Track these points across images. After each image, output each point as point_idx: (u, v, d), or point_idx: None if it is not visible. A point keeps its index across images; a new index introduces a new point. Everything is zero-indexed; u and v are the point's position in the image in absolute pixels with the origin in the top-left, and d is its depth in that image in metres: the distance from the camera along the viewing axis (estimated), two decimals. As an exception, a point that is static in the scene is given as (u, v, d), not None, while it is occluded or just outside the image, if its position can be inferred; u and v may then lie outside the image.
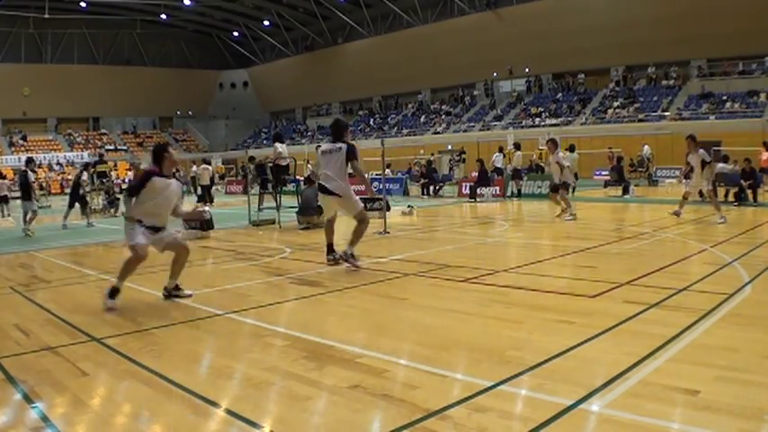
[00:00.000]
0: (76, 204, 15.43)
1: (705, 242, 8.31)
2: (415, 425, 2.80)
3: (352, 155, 6.98)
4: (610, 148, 26.61)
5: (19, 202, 14.40)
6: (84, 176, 16.44)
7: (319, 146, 8.49)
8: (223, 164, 43.91)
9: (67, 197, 15.88)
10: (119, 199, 19.08)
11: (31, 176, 13.77)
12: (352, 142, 7.16)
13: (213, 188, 24.34)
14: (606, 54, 35.07)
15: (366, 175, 7.44)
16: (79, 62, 50.42)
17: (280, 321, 4.96)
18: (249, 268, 7.65)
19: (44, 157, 44.67)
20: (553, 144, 12.67)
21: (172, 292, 5.80)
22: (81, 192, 15.62)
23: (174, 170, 6.17)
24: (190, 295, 5.81)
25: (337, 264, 7.29)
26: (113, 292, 5.45)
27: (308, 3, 46.03)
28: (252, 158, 17.71)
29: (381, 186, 12.85)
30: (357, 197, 7.23)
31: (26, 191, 13.28)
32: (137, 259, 5.48)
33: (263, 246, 9.94)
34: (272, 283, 6.67)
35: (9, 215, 17.37)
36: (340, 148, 7.03)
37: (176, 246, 5.90)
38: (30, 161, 14.47)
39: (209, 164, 25.69)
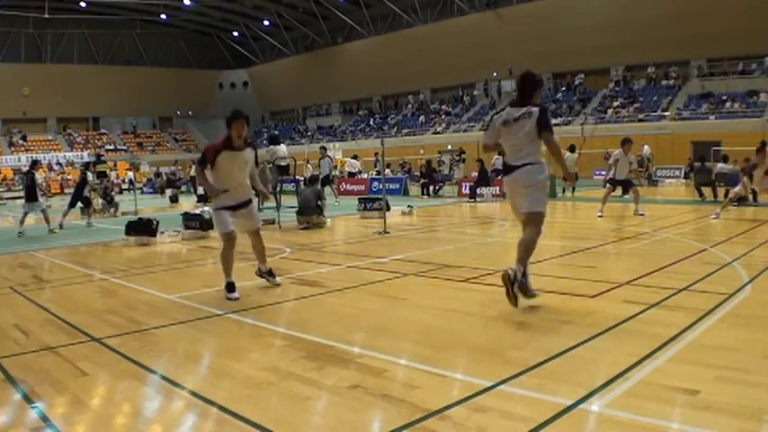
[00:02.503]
0: (77, 204, 15.42)
1: (705, 242, 8.30)
2: (415, 425, 2.80)
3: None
4: (607, 151, 26.64)
5: (20, 202, 14.41)
6: (90, 176, 16.42)
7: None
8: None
9: (66, 197, 15.86)
10: (113, 199, 19.12)
11: (39, 178, 13.83)
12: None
13: None
14: (606, 54, 35.07)
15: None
16: (79, 62, 50.40)
17: (280, 321, 4.96)
18: (249, 268, 7.63)
19: (44, 157, 44.66)
20: (630, 143, 13.16)
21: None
22: (85, 192, 15.59)
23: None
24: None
25: None
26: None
27: (308, 3, 46.03)
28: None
29: (381, 186, 12.85)
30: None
31: (32, 192, 13.30)
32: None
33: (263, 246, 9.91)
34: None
35: None
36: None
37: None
38: (35, 163, 14.52)
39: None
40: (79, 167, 31.18)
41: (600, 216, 12.46)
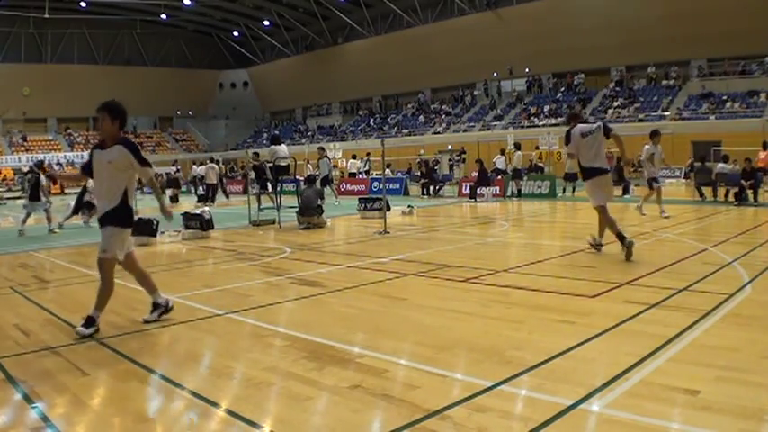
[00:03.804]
0: (80, 211, 15.32)
1: (705, 242, 8.31)
2: (415, 425, 2.80)
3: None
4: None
5: (21, 202, 14.42)
6: (91, 183, 16.33)
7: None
8: (223, 164, 43.93)
9: (67, 197, 15.84)
10: None
11: (43, 179, 13.89)
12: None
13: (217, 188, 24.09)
14: (606, 54, 35.08)
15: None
16: (79, 62, 50.44)
17: (280, 321, 4.96)
18: (249, 268, 7.65)
19: (44, 157, 44.60)
20: (659, 135, 12.24)
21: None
22: (86, 197, 15.53)
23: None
24: None
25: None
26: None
27: (308, 3, 46.04)
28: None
29: (381, 186, 12.84)
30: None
31: (35, 192, 13.36)
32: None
33: (263, 246, 9.94)
34: (272, 283, 6.67)
35: None
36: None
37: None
38: (40, 164, 14.56)
39: (216, 162, 25.45)
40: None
41: (644, 215, 11.79)
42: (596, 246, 7.81)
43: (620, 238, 7.20)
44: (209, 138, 55.97)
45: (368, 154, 29.22)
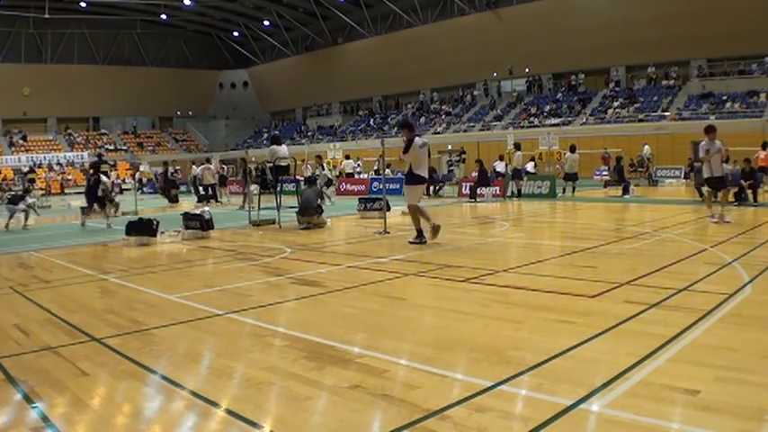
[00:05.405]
0: (94, 206, 15.35)
1: (705, 242, 8.31)
2: (415, 425, 2.80)
3: None
4: (605, 149, 26.69)
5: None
6: (105, 178, 16.32)
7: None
8: (222, 164, 43.85)
9: (66, 197, 15.95)
10: (113, 199, 19.09)
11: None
12: None
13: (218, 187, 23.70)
14: (606, 54, 35.08)
15: None
16: (79, 62, 50.44)
17: (280, 321, 4.96)
18: (249, 268, 7.65)
19: (44, 157, 44.67)
20: (716, 132, 10.68)
21: None
22: (99, 192, 15.55)
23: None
24: None
25: None
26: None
27: (308, 3, 46.04)
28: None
29: (381, 186, 12.84)
30: None
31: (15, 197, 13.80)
32: None
33: (263, 246, 9.94)
34: (272, 283, 6.67)
35: None
36: None
37: None
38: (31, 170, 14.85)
39: (211, 162, 25.22)
40: (87, 167, 30.93)
41: (716, 222, 10.44)
42: (419, 240, 9.06)
43: (434, 227, 9.05)
44: (209, 138, 55.97)
45: (381, 155, 29.17)
